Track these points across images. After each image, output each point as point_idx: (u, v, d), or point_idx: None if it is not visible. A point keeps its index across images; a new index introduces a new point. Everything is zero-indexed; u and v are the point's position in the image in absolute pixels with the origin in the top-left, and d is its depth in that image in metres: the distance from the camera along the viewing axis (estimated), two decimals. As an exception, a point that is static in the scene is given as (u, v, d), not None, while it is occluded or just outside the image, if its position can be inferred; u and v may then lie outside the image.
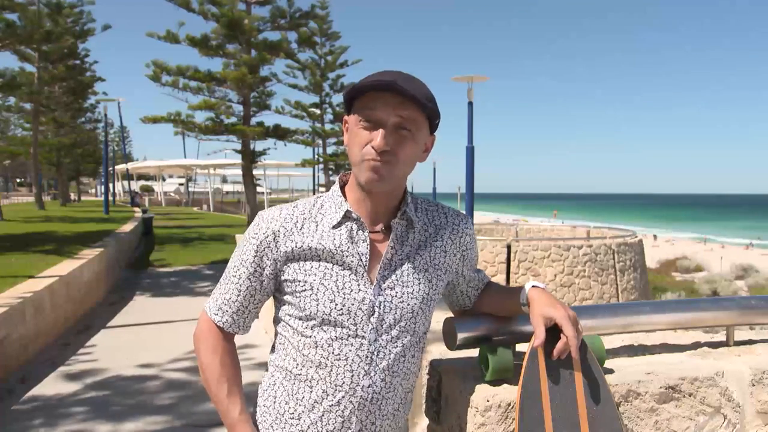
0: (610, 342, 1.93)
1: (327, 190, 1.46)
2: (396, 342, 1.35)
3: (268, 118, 63.35)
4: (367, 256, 1.33)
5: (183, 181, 58.78)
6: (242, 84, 18.37)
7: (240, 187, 47.82)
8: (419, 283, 1.37)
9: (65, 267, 8.28)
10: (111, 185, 38.61)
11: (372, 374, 1.33)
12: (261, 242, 1.35)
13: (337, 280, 1.32)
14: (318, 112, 31.95)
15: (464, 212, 1.53)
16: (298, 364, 1.35)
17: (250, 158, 19.79)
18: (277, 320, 1.42)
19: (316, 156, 33.34)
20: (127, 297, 10.06)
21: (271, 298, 1.45)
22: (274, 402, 1.38)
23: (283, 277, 1.36)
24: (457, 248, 1.46)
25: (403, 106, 1.25)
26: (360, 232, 1.34)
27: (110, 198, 31.44)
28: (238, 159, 21.70)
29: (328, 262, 1.32)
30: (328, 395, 1.32)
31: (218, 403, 1.38)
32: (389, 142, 1.25)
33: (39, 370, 5.88)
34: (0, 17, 15.06)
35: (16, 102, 26.57)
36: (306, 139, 26.52)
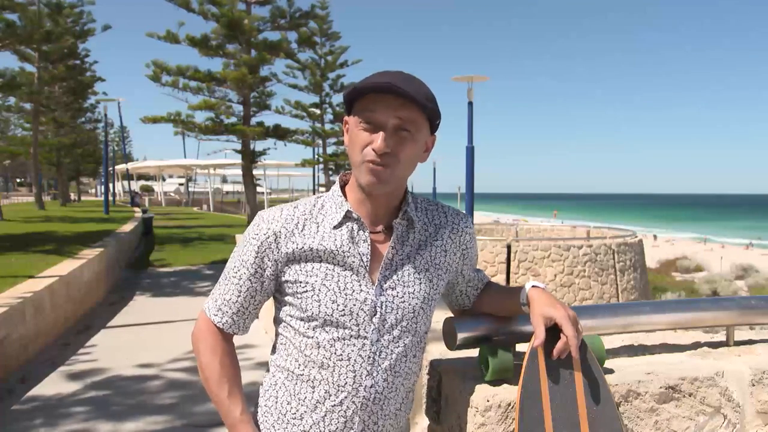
0: (610, 342, 1.93)
1: (327, 190, 1.45)
2: (398, 342, 1.35)
3: (268, 118, 63.37)
4: (368, 256, 1.33)
5: (183, 181, 58.77)
6: (242, 84, 18.37)
7: (240, 187, 47.82)
8: (420, 283, 1.37)
9: (65, 267, 8.28)
10: (111, 185, 38.61)
11: (374, 374, 1.33)
12: (262, 243, 1.35)
13: (339, 280, 1.32)
14: (318, 112, 31.96)
15: (464, 211, 1.53)
16: (300, 365, 1.35)
17: (250, 158, 19.79)
18: (277, 321, 1.42)
19: (316, 156, 33.36)
20: (127, 297, 10.06)
21: (271, 298, 1.45)
22: (276, 402, 1.38)
23: (284, 278, 1.35)
24: (457, 247, 1.46)
25: (403, 108, 1.25)
26: (361, 232, 1.34)
27: (110, 198, 31.43)
28: (238, 159, 21.71)
29: (329, 263, 1.32)
30: (330, 395, 1.32)
31: (219, 404, 1.37)
32: (390, 144, 1.25)
33: (39, 370, 5.88)
34: (0, 17, 15.06)
35: (16, 102, 26.59)
36: (306, 139, 26.53)
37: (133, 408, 4.87)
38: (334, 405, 1.32)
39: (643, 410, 1.54)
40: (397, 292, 1.34)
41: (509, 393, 1.45)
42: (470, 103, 16.97)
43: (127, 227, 16.50)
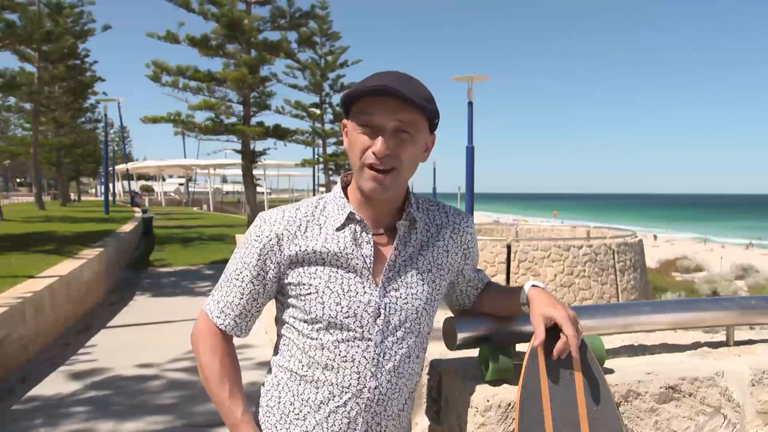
0: (610, 342, 1.93)
1: (327, 190, 1.45)
2: (401, 343, 1.35)
3: (268, 118, 63.34)
4: (372, 258, 1.33)
5: (183, 181, 58.76)
6: (242, 84, 18.37)
7: (240, 187, 47.81)
8: (423, 284, 1.37)
9: (65, 267, 8.28)
10: (111, 185, 38.61)
11: (378, 376, 1.33)
12: (264, 245, 1.34)
13: (343, 283, 1.31)
14: (318, 112, 31.96)
15: (465, 211, 1.53)
16: (303, 366, 1.35)
17: (250, 158, 19.79)
18: (280, 322, 1.42)
19: (316, 156, 33.35)
20: (127, 297, 10.06)
21: (272, 299, 1.45)
22: (279, 402, 1.38)
23: (286, 281, 1.35)
24: (458, 247, 1.46)
25: (401, 110, 1.24)
26: (364, 234, 1.34)
27: (110, 198, 31.43)
28: (238, 159, 21.71)
29: (332, 266, 1.32)
30: (334, 396, 1.32)
31: (220, 404, 1.37)
32: (390, 146, 1.25)
33: (39, 370, 5.88)
34: (0, 17, 15.06)
35: (16, 102, 26.59)
36: (306, 139, 26.53)
37: (134, 408, 4.87)
38: (338, 406, 1.32)
39: (643, 410, 1.54)
40: (401, 294, 1.34)
41: (509, 393, 1.45)
42: (470, 103, 16.97)
43: (127, 227, 16.50)
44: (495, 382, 1.50)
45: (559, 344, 1.32)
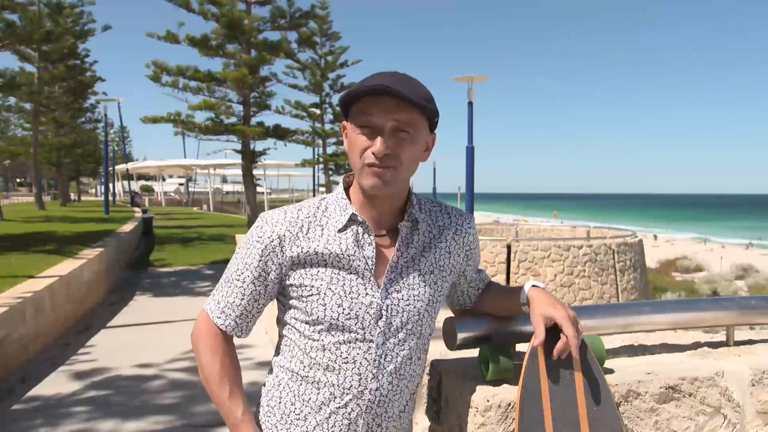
0: (610, 342, 1.93)
1: (327, 190, 1.45)
2: (403, 345, 1.35)
3: (268, 118, 63.32)
4: (374, 260, 1.33)
5: (183, 181, 58.79)
6: (242, 84, 18.38)
7: (240, 187, 47.82)
8: (425, 286, 1.37)
9: (65, 267, 8.28)
10: (111, 185, 38.61)
11: (380, 377, 1.33)
12: (266, 246, 1.34)
13: (344, 284, 1.31)
14: (318, 112, 31.95)
15: (467, 212, 1.52)
16: (305, 366, 1.34)
17: (250, 158, 19.80)
18: (281, 323, 1.42)
19: (316, 156, 33.33)
20: (127, 297, 10.06)
21: (274, 300, 1.44)
22: (279, 402, 1.38)
23: (288, 282, 1.35)
24: (460, 248, 1.45)
25: (400, 109, 1.24)
26: (366, 235, 1.33)
27: (110, 198, 31.43)
28: (238, 159, 21.72)
29: (334, 267, 1.32)
30: (335, 398, 1.32)
31: (220, 404, 1.37)
32: (389, 146, 1.25)
33: (39, 370, 5.88)
34: (0, 17, 15.07)
35: (16, 102, 26.60)
36: (306, 139, 26.54)
37: (134, 408, 4.87)
38: (339, 407, 1.32)
39: (643, 410, 1.54)
40: (402, 295, 1.34)
41: (509, 393, 1.45)
42: (470, 103, 16.97)
43: (127, 227, 16.50)
44: (495, 382, 1.50)
45: (559, 344, 1.32)
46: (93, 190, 68.11)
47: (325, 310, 1.31)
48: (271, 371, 1.45)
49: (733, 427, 1.62)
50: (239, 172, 25.42)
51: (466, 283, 1.53)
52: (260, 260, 1.34)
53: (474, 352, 1.59)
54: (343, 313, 1.30)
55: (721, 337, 1.99)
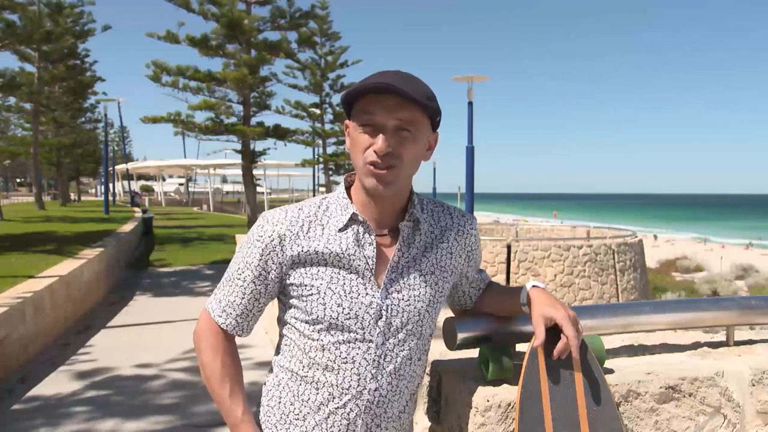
0: (610, 342, 1.93)
1: (327, 190, 1.45)
2: (403, 345, 1.35)
3: (268, 118, 63.32)
4: (374, 259, 1.32)
5: (183, 181, 58.81)
6: (242, 84, 18.38)
7: (240, 187, 47.81)
8: (426, 286, 1.37)
9: (65, 267, 8.28)
10: (111, 185, 38.61)
11: (379, 378, 1.32)
12: (266, 245, 1.34)
13: (344, 284, 1.31)
14: (318, 112, 31.95)
15: (469, 213, 1.52)
16: (304, 366, 1.34)
17: (250, 158, 19.80)
18: (281, 322, 1.42)
19: (316, 156, 33.33)
20: (127, 297, 10.06)
21: (275, 299, 1.44)
22: (279, 402, 1.38)
23: (288, 281, 1.35)
24: (462, 249, 1.45)
25: (402, 108, 1.24)
26: (366, 235, 1.33)
27: (110, 198, 31.43)
28: (238, 159, 21.72)
29: (335, 267, 1.32)
30: (334, 398, 1.32)
31: (221, 403, 1.37)
32: (391, 145, 1.24)
33: (39, 370, 5.88)
34: (0, 17, 15.07)
35: (16, 102, 26.60)
36: (306, 139, 26.51)
37: (134, 408, 4.87)
38: (338, 407, 1.32)
39: (643, 410, 1.54)
40: (403, 296, 1.34)
41: (509, 393, 1.45)
42: (470, 103, 16.97)
43: (127, 227, 16.51)
44: (495, 382, 1.50)
45: (559, 345, 1.32)
46: (93, 190, 68.12)
47: (324, 309, 1.30)
48: (271, 371, 1.45)
49: (733, 427, 1.62)
50: (239, 172, 25.43)
51: (467, 283, 1.52)
52: (260, 259, 1.34)
53: (474, 352, 1.59)
54: (342, 312, 1.30)
55: (721, 337, 1.99)
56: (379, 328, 1.32)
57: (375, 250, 1.33)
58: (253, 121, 19.92)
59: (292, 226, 1.33)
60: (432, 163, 42.17)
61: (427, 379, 1.71)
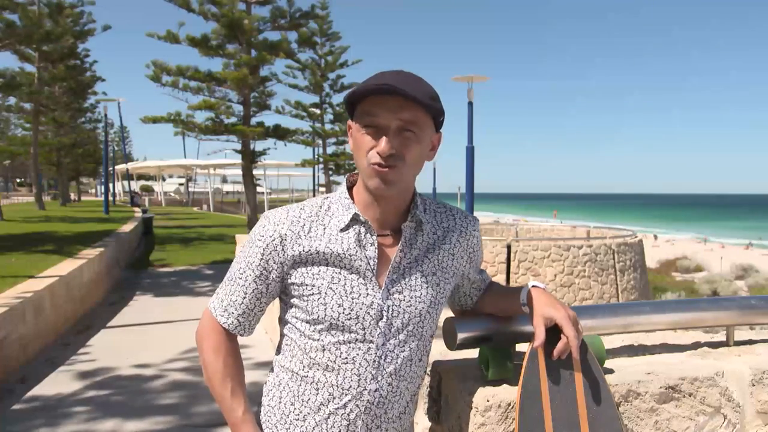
0: (610, 342, 1.93)
1: (327, 190, 1.44)
2: (403, 346, 1.34)
3: (268, 118, 63.37)
4: (375, 260, 1.32)
5: (183, 181, 58.82)
6: (242, 84, 18.36)
7: (240, 187, 47.84)
8: (427, 287, 1.36)
9: (65, 267, 8.29)
10: (111, 185, 38.62)
11: (379, 378, 1.32)
12: (267, 245, 1.34)
13: (345, 284, 1.31)
14: (318, 112, 31.93)
15: (472, 214, 1.52)
16: (304, 366, 1.34)
17: (250, 158, 19.78)
18: (283, 321, 1.42)
19: (316, 156, 33.32)
20: (127, 297, 10.07)
21: (276, 298, 1.44)
22: (280, 402, 1.38)
23: (290, 281, 1.34)
24: (464, 251, 1.45)
25: (405, 109, 1.23)
26: (368, 235, 1.33)
27: (110, 198, 31.44)
28: (238, 159, 21.69)
29: (336, 267, 1.31)
30: (334, 398, 1.32)
31: (221, 403, 1.37)
32: (394, 146, 1.24)
33: (39, 370, 5.88)
34: (0, 17, 15.07)
35: (16, 102, 26.57)
36: (306, 139, 26.52)
37: (134, 408, 4.87)
38: (338, 408, 1.32)
39: (643, 410, 1.54)
40: (404, 296, 1.34)
41: (509, 393, 1.45)
42: (470, 103, 16.98)
43: (127, 227, 16.51)
44: (495, 382, 1.50)
45: (559, 345, 1.32)
46: (93, 190, 68.12)
47: (325, 309, 1.30)
48: (272, 370, 1.45)
49: (733, 427, 1.62)
50: (239, 172, 25.40)
51: (468, 284, 1.52)
52: (261, 259, 1.34)
53: (474, 352, 1.59)
54: (343, 313, 1.30)
55: (721, 337, 1.99)
56: (380, 328, 1.31)
57: (376, 250, 1.33)
58: (253, 121, 19.90)
59: (294, 226, 1.33)
60: (432, 163, 42.20)
61: (427, 379, 1.71)
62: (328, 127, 32.08)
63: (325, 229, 1.34)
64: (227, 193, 69.78)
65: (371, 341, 1.31)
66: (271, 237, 1.34)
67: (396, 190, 1.30)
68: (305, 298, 1.32)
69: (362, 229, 1.33)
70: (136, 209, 29.43)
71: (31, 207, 26.48)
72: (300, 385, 1.35)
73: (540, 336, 1.31)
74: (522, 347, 1.51)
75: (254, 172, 21.02)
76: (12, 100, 27.17)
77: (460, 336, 1.51)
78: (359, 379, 1.31)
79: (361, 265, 1.31)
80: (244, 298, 1.37)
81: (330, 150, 32.76)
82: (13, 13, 15.78)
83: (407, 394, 1.39)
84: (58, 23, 21.71)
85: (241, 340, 1.44)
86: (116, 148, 53.97)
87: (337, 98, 32.32)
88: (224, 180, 71.62)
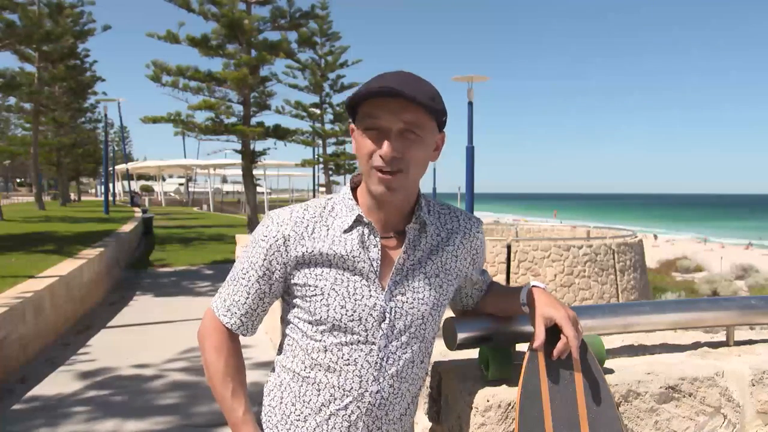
0: (610, 342, 1.93)
1: (327, 190, 1.44)
2: (406, 348, 1.34)
3: (268, 118, 63.37)
4: (379, 261, 1.32)
5: (183, 181, 58.82)
6: (242, 84, 18.37)
7: (240, 187, 47.84)
8: (430, 289, 1.36)
9: (65, 267, 8.29)
10: (111, 185, 38.62)
11: (380, 380, 1.32)
12: (271, 246, 1.33)
13: (348, 285, 1.30)
14: (318, 112, 31.94)
15: (476, 216, 1.51)
16: (306, 367, 1.34)
17: (250, 158, 19.78)
18: (285, 322, 1.42)
19: (316, 156, 33.33)
20: (127, 297, 10.07)
21: (279, 298, 1.44)
22: (281, 403, 1.38)
23: (292, 281, 1.34)
24: (467, 252, 1.44)
25: (407, 110, 1.22)
26: (372, 237, 1.33)
27: (110, 198, 31.44)
28: (238, 159, 21.70)
29: (339, 268, 1.31)
30: (335, 399, 1.32)
31: (222, 402, 1.37)
32: (397, 149, 1.23)
33: (39, 370, 5.88)
34: (0, 17, 15.07)
35: (16, 102, 26.58)
36: (306, 139, 26.55)
37: (134, 408, 4.87)
38: (339, 409, 1.32)
39: (643, 410, 1.54)
40: (407, 298, 1.33)
41: (509, 393, 1.45)
42: (470, 103, 16.98)
43: (127, 227, 16.51)
44: (495, 382, 1.50)
45: (559, 345, 1.32)
46: (93, 190, 68.12)
47: (328, 310, 1.30)
48: (273, 370, 1.45)
49: (733, 427, 1.62)
50: (239, 172, 25.39)
51: (471, 285, 1.52)
52: (264, 259, 1.34)
53: (474, 352, 1.59)
54: (346, 314, 1.30)
55: (721, 337, 1.99)
56: (383, 330, 1.31)
57: (380, 252, 1.32)
58: (253, 121, 19.91)
59: (297, 227, 1.33)
60: (432, 163, 42.12)
61: (427, 380, 1.71)
62: (328, 127, 32.11)
63: (328, 230, 1.33)
64: (227, 193, 69.78)
65: (373, 343, 1.31)
66: (274, 237, 1.33)
67: (401, 195, 1.29)
68: (308, 299, 1.32)
69: (366, 231, 1.33)
70: (136, 209, 29.43)
71: (31, 207, 26.49)
72: (301, 385, 1.35)
73: (540, 336, 1.31)
74: (522, 347, 1.51)
75: (254, 172, 21.02)
76: (12, 100, 27.19)
77: (460, 336, 1.51)
78: (361, 381, 1.31)
79: (364, 267, 1.31)
80: (247, 298, 1.37)
81: (330, 150, 32.79)
82: (13, 13, 15.79)
83: (408, 395, 1.38)
84: (58, 23, 21.72)
85: (241, 340, 1.44)
86: (116, 148, 53.97)
87: (337, 98, 32.36)
88: (224, 180, 71.60)
